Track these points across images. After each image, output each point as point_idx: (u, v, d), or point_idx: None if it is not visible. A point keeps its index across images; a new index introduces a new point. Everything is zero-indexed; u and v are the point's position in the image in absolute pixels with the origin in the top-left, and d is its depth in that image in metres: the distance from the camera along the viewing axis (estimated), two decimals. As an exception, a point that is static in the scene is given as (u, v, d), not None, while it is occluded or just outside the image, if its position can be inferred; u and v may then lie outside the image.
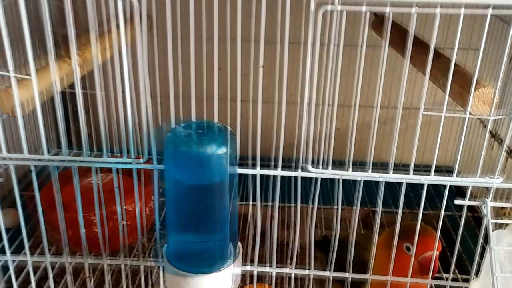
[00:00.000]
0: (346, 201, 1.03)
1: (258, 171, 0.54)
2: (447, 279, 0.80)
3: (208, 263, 0.50)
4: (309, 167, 0.54)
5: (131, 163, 0.54)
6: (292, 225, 1.09)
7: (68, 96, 1.01)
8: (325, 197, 1.06)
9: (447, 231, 0.97)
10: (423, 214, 1.01)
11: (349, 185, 1.07)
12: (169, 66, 0.48)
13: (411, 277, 0.58)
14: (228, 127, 0.50)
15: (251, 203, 1.03)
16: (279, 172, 0.54)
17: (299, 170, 0.55)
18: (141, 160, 0.53)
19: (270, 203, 1.04)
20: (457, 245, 0.59)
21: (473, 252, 0.92)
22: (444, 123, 0.50)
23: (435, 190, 1.04)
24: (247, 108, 0.49)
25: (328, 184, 1.07)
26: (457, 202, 0.55)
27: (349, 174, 0.54)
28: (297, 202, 0.56)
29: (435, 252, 0.60)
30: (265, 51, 0.48)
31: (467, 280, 0.78)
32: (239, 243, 0.54)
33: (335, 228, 0.57)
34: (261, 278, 0.98)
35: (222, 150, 0.47)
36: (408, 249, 0.63)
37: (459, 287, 0.60)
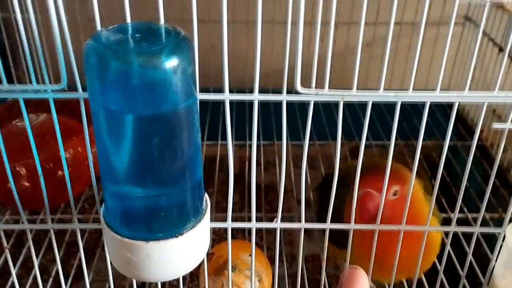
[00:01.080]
0: (334, 136, 0.90)
1: (227, 95, 0.39)
2: (472, 221, 0.68)
3: (163, 225, 0.36)
4: (299, 87, 0.39)
5: (45, 91, 0.38)
6: (273, 166, 0.95)
7: None
8: (315, 133, 0.93)
9: (449, 164, 0.86)
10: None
11: (346, 117, 0.93)
12: None
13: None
14: (182, 30, 0.34)
15: (219, 142, 0.88)
16: (256, 97, 0.39)
17: (284, 93, 0.40)
18: (59, 87, 0.37)
19: (247, 142, 0.90)
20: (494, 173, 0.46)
21: (481, 188, 0.81)
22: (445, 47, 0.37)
23: (431, 117, 0.92)
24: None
25: (320, 117, 0.93)
26: (497, 125, 0.41)
27: (353, 94, 0.39)
28: (282, 135, 0.42)
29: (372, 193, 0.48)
30: None
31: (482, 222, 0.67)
32: (206, 195, 0.40)
33: (335, 166, 0.43)
34: (238, 232, 0.85)
35: (172, 62, 0.31)
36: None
37: (490, 233, 0.47)
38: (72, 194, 0.62)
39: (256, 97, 0.39)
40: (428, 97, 0.39)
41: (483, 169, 0.81)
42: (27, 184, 0.61)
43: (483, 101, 0.40)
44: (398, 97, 0.39)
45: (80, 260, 0.47)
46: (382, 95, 0.39)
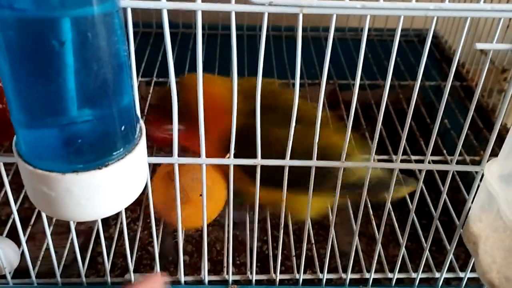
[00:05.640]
0: (307, 75, 0.84)
1: (165, 3, 0.33)
2: (448, 161, 0.64)
3: (81, 155, 0.30)
4: (249, -6, 0.33)
5: None
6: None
7: None
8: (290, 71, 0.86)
9: (431, 105, 0.80)
10: (403, 85, 0.83)
11: (310, 53, 0.86)
12: None
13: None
14: None
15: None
16: (199, 6, 0.33)
17: (233, 1, 0.33)
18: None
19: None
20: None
21: (463, 128, 0.76)
22: None
23: (415, 57, 0.86)
24: None
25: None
26: (480, 45, 0.36)
27: (314, 5, 0.33)
28: (232, 60, 0.36)
29: None
30: None
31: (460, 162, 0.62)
32: (141, 123, 0.34)
33: (294, 101, 0.38)
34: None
35: None
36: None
37: (468, 172, 0.42)
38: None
39: (199, 6, 0.33)
40: (401, 10, 0.33)
41: (466, 111, 0.75)
42: None
43: (466, 15, 0.34)
44: (367, 9, 0.33)
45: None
46: (347, 6, 0.33)
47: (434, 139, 0.39)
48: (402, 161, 0.41)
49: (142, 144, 0.34)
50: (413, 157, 0.65)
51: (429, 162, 0.42)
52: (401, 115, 0.74)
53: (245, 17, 0.90)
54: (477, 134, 0.70)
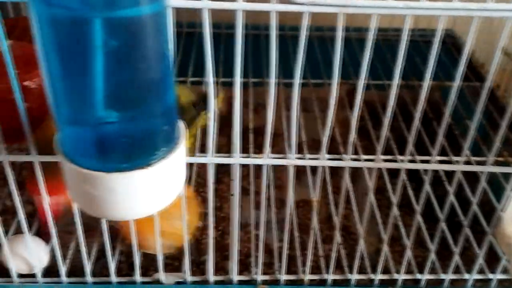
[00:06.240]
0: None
1: (207, 3, 0.33)
2: (472, 162, 0.63)
3: (126, 154, 0.30)
4: (291, -5, 0.33)
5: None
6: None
7: None
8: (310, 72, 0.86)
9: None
10: (419, 86, 0.83)
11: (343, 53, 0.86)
12: None
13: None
14: None
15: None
16: (240, 5, 0.33)
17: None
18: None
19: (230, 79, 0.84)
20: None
21: (485, 131, 0.76)
22: None
23: (426, 56, 0.85)
24: None
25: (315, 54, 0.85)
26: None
27: (355, 4, 0.33)
28: (271, 53, 0.36)
29: None
30: None
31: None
32: (181, 124, 0.34)
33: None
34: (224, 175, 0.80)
35: None
36: None
37: (500, 174, 0.42)
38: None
39: (240, 5, 0.33)
40: (445, 10, 0.33)
41: (488, 112, 0.75)
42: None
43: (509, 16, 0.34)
44: (409, 9, 0.33)
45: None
46: (390, 6, 0.33)
47: (469, 142, 0.39)
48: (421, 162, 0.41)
49: (183, 143, 0.34)
50: (437, 158, 0.65)
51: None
52: (409, 116, 0.74)
53: (252, 16, 0.89)
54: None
